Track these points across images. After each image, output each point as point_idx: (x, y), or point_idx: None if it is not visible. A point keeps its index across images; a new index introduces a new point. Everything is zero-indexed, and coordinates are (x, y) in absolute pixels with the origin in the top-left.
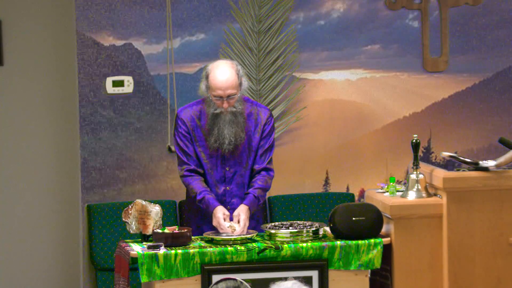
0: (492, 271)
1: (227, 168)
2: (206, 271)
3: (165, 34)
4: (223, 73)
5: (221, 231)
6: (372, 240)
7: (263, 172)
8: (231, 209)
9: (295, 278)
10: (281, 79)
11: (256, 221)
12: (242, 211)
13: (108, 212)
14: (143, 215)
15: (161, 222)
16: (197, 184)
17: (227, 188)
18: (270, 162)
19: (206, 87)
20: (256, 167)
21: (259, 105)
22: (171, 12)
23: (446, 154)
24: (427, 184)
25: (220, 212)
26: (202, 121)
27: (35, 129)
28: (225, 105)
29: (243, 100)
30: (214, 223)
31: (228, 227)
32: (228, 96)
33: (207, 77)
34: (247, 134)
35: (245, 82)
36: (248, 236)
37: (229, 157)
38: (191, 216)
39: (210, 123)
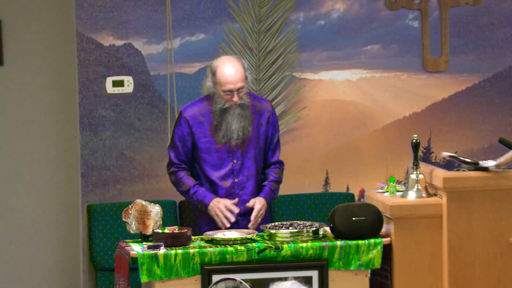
0: (492, 271)
1: (234, 161)
2: (206, 271)
3: (165, 34)
4: (231, 68)
5: (220, 214)
6: (372, 240)
7: (276, 165)
8: (241, 200)
9: (295, 278)
10: (281, 79)
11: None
12: (258, 201)
13: (108, 212)
14: (143, 215)
15: (161, 222)
16: (188, 178)
17: (236, 180)
18: (279, 155)
19: (214, 83)
20: (268, 161)
21: (259, 98)
22: (171, 12)
23: (446, 154)
24: (427, 184)
25: (224, 199)
26: (206, 117)
27: (35, 129)
28: (235, 98)
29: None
30: (218, 209)
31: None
32: (238, 90)
33: (213, 73)
34: (252, 127)
35: (249, 76)
36: (248, 236)
37: (236, 149)
38: (193, 215)
39: (218, 118)
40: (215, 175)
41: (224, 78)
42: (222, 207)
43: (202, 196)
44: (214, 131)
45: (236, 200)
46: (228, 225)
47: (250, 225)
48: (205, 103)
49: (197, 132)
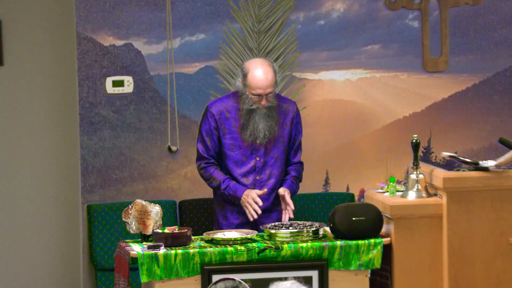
0: (492, 271)
1: (257, 158)
2: (206, 271)
3: (165, 34)
4: (263, 73)
5: (249, 206)
6: (372, 240)
7: (298, 164)
8: (260, 197)
9: (295, 278)
10: (281, 79)
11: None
12: (286, 192)
13: (108, 212)
14: (143, 215)
15: (161, 222)
16: (219, 173)
17: (257, 177)
18: (300, 155)
19: (244, 85)
20: (290, 161)
21: (285, 99)
22: (171, 12)
23: (446, 154)
24: (427, 184)
25: (252, 191)
26: (232, 114)
27: (35, 129)
28: (264, 102)
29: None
30: (248, 202)
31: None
32: (267, 94)
33: (244, 75)
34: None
35: (279, 78)
36: (248, 236)
37: (260, 147)
38: (219, 208)
39: (245, 118)
40: (237, 171)
41: (255, 82)
42: (251, 200)
43: (233, 190)
44: (241, 129)
45: (265, 190)
46: (255, 217)
47: (289, 213)
48: (231, 99)
49: (223, 128)
